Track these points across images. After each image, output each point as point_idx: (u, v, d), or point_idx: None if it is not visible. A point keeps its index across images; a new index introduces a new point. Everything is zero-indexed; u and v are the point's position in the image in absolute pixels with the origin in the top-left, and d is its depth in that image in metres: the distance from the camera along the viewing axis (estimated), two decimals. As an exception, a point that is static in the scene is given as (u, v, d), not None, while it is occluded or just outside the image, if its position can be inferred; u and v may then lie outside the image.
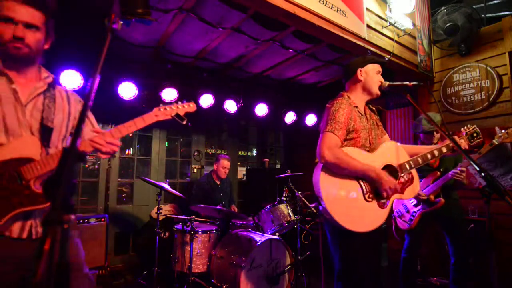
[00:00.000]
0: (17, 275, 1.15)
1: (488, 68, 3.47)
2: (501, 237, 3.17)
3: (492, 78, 3.44)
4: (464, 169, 2.45)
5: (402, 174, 1.78)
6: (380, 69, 1.89)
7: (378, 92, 1.86)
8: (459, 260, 2.51)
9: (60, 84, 1.42)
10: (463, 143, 1.96)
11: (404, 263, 2.65)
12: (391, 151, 1.83)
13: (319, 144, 1.68)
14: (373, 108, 2.01)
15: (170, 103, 1.45)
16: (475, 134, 2.03)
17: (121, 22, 1.40)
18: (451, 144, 1.88)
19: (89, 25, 2.94)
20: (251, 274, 2.66)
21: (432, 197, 2.54)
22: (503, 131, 2.22)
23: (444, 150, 1.89)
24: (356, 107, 1.83)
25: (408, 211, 2.66)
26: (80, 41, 3.12)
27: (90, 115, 1.47)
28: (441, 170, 2.61)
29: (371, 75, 1.85)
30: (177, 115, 1.44)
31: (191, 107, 1.50)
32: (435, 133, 2.64)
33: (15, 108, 1.18)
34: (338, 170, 1.65)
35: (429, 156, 1.85)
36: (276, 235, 3.06)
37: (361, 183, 1.68)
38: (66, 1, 2.60)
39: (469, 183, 3.06)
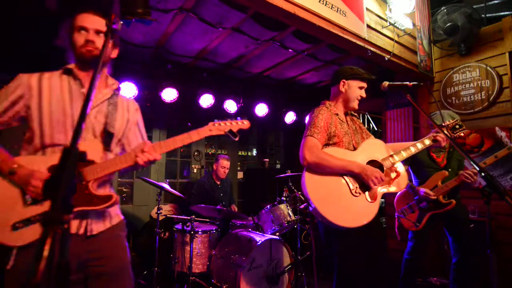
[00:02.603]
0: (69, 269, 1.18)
1: (488, 68, 3.47)
2: (501, 237, 3.16)
3: (492, 78, 3.44)
4: (474, 172, 2.43)
5: (388, 168, 1.81)
6: (365, 85, 1.93)
7: (356, 107, 1.93)
8: (461, 259, 2.50)
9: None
10: (445, 136, 1.99)
11: (406, 264, 2.61)
12: (374, 147, 1.87)
13: (300, 148, 1.75)
14: (355, 114, 2.07)
15: (225, 119, 1.46)
16: (457, 126, 2.07)
17: (121, 22, 1.41)
18: (433, 137, 1.94)
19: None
20: (251, 274, 2.66)
21: (441, 198, 2.51)
22: (503, 133, 2.23)
23: (427, 142, 1.94)
24: (337, 114, 1.90)
25: (414, 211, 2.63)
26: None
27: (142, 126, 1.52)
28: (449, 170, 2.59)
29: (353, 90, 1.90)
30: (230, 131, 1.44)
31: (245, 124, 1.48)
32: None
33: None
34: (320, 169, 1.70)
35: (412, 149, 1.89)
36: (276, 235, 3.06)
37: (346, 179, 1.72)
38: (66, 1, 2.60)
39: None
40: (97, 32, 1.29)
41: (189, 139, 1.36)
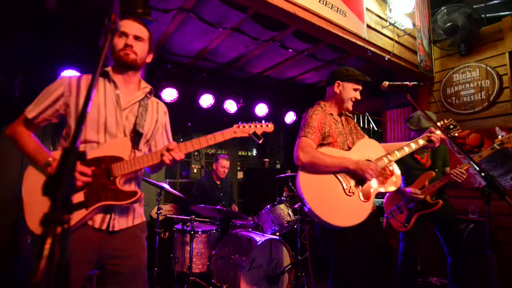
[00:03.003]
0: (90, 266, 1.26)
1: (488, 68, 3.47)
2: (501, 237, 3.16)
3: (492, 78, 3.44)
4: (463, 170, 2.44)
5: (382, 167, 1.82)
6: (360, 87, 1.94)
7: (350, 108, 1.94)
8: (456, 259, 2.50)
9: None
10: (440, 134, 2.00)
11: (402, 267, 2.60)
12: (368, 147, 1.88)
13: (295, 149, 1.77)
14: (350, 115, 2.08)
15: (249, 122, 1.50)
16: (451, 126, 2.09)
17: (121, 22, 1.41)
18: (427, 137, 1.96)
19: (90, 25, 2.94)
20: (251, 274, 2.66)
21: (429, 198, 2.52)
22: (503, 134, 2.22)
23: (421, 142, 1.95)
24: (331, 114, 1.91)
25: (402, 212, 2.64)
26: (80, 41, 3.12)
27: (169, 128, 1.59)
28: (436, 170, 2.60)
29: (347, 91, 1.91)
30: (254, 133, 1.47)
31: (269, 127, 1.51)
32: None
33: (115, 111, 1.35)
34: (315, 169, 1.71)
35: (406, 149, 1.91)
36: (276, 235, 3.06)
37: (340, 179, 1.72)
38: (66, 1, 2.60)
39: (469, 183, 3.05)
40: (136, 37, 1.37)
41: (213, 140, 1.41)
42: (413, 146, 1.93)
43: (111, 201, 1.25)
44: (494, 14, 4.19)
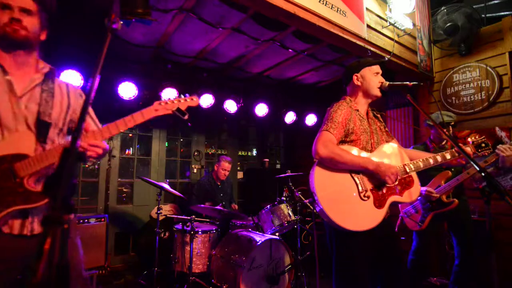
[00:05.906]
0: (15, 274, 1.13)
1: (488, 68, 3.47)
2: (501, 237, 3.16)
3: (492, 78, 3.44)
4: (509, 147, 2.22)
5: (402, 177, 1.74)
6: (379, 70, 1.86)
7: (379, 94, 1.85)
8: (464, 262, 2.49)
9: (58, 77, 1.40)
10: (469, 150, 1.90)
11: (411, 265, 2.61)
12: (390, 153, 1.80)
13: (314, 142, 1.69)
14: (378, 115, 2.00)
15: (173, 97, 1.39)
16: (483, 145, 1.95)
17: (121, 22, 1.40)
18: (454, 151, 1.84)
19: (89, 25, 2.94)
20: (251, 274, 2.66)
21: (444, 197, 2.50)
22: (503, 133, 2.19)
23: (448, 156, 1.84)
24: (357, 110, 1.84)
25: (417, 212, 2.63)
26: (80, 41, 3.12)
27: (92, 113, 1.44)
28: (452, 170, 2.59)
29: (369, 78, 1.84)
30: (178, 109, 1.37)
31: (194, 101, 1.42)
32: (450, 128, 2.68)
33: (10, 100, 1.16)
34: (333, 165, 1.64)
35: (431, 161, 1.81)
36: (276, 235, 3.06)
37: (357, 181, 1.66)
38: (66, 0, 2.60)
39: (469, 183, 3.05)
40: (23, 10, 1.18)
41: (132, 121, 1.28)
42: (439, 159, 1.83)
43: (22, 205, 1.11)
44: (494, 14, 4.19)
